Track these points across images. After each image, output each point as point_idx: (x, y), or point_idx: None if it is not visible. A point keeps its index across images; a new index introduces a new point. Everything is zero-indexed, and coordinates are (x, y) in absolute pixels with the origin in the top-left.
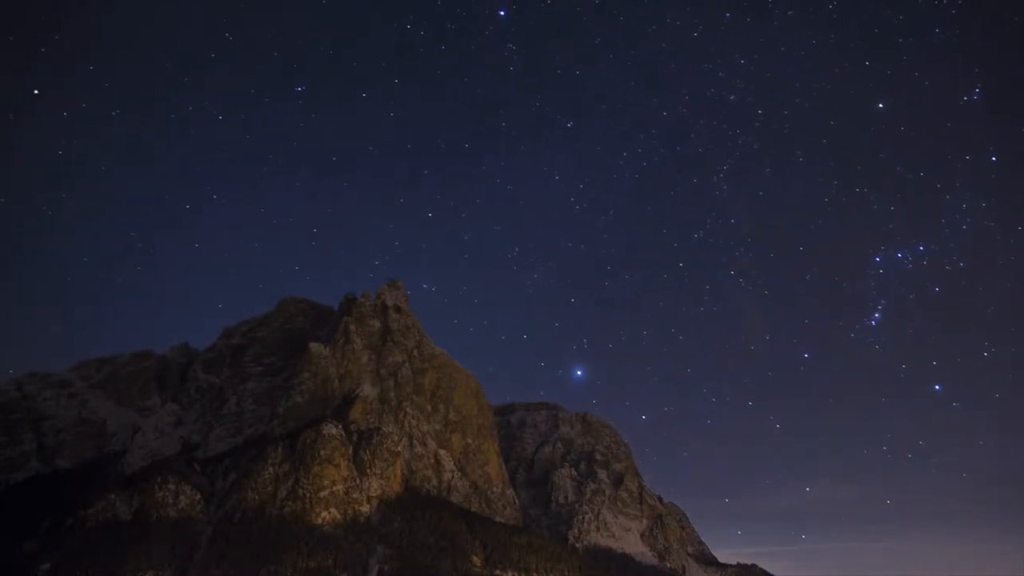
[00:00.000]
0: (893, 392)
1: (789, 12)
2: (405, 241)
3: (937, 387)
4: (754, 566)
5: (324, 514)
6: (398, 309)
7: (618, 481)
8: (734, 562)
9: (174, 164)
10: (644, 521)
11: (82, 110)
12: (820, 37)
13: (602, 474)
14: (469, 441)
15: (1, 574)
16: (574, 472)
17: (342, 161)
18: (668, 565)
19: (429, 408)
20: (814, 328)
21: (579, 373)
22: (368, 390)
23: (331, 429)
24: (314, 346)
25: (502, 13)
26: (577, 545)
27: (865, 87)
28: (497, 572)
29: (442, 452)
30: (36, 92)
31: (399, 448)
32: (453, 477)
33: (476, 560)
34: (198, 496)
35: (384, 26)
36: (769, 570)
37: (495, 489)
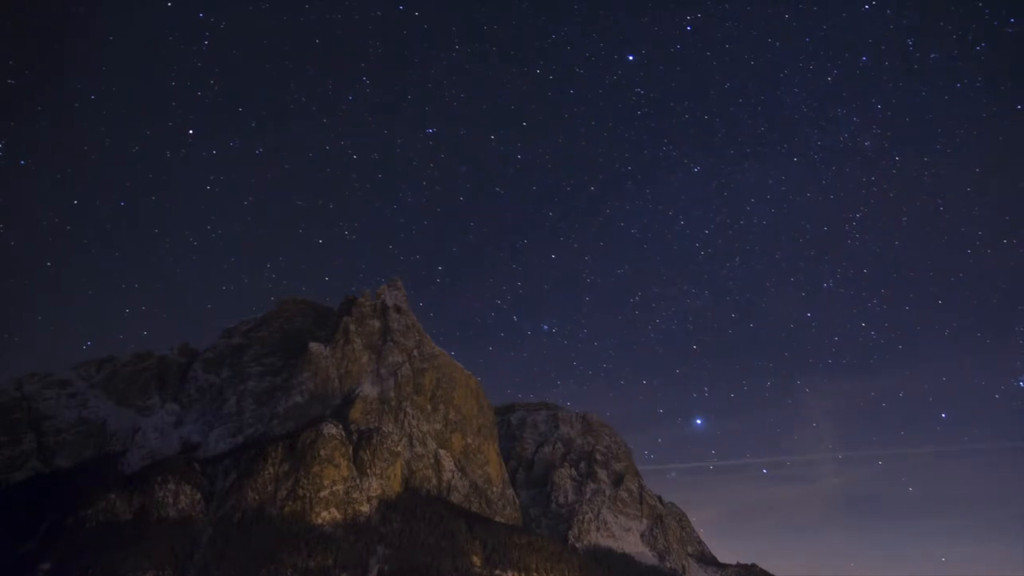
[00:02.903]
0: None
1: (932, 55)
2: (528, 282)
3: None
4: (754, 566)
5: (324, 514)
6: (398, 309)
7: (618, 481)
8: (734, 562)
9: (310, 201)
10: (644, 521)
11: (230, 148)
12: (966, 80)
13: (602, 474)
14: (469, 441)
15: (1, 574)
16: (574, 472)
17: (468, 201)
18: (668, 565)
19: (429, 408)
20: (953, 387)
21: (699, 422)
22: (368, 390)
23: (331, 429)
24: (314, 346)
25: (630, 57)
26: (577, 545)
27: (1018, 132)
28: (497, 572)
29: (442, 452)
30: (191, 132)
31: (399, 448)
32: (453, 477)
33: (476, 560)
34: (198, 496)
35: (513, 70)
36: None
37: (495, 489)
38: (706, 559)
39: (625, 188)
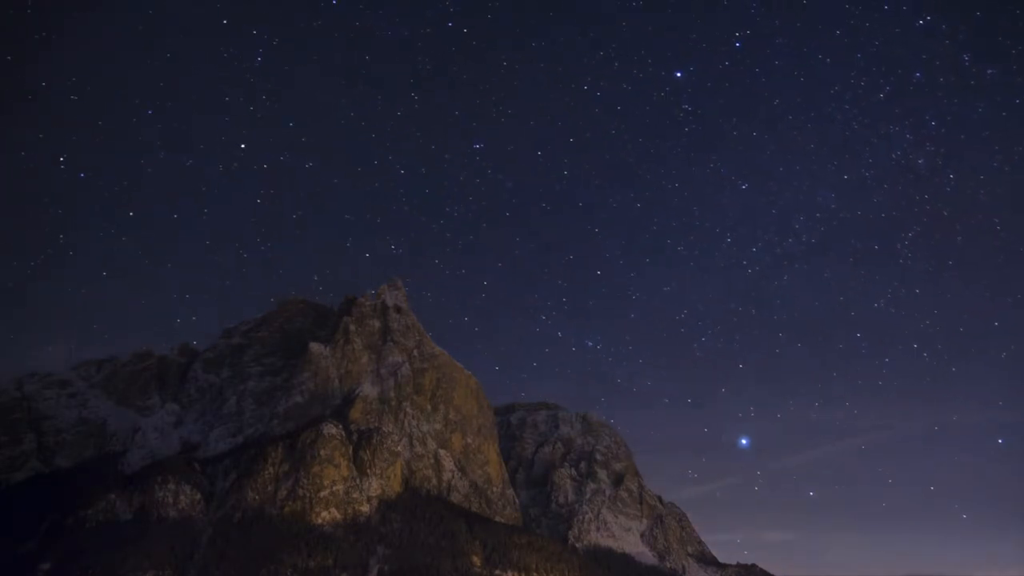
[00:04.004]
0: None
1: (989, 71)
2: (573, 297)
3: None
4: (754, 566)
5: (324, 514)
6: (398, 309)
7: (618, 481)
8: (734, 562)
9: (357, 214)
10: (644, 521)
11: (280, 162)
12: None
13: (602, 474)
14: (469, 441)
15: (1, 574)
16: (574, 472)
17: (514, 216)
18: (668, 565)
19: (429, 408)
20: (1010, 411)
21: (744, 442)
22: (368, 390)
23: (331, 429)
24: (314, 346)
25: (678, 74)
26: (577, 545)
27: None
28: (497, 572)
29: (442, 452)
30: (243, 146)
31: (399, 448)
32: (453, 477)
33: (476, 560)
34: (198, 496)
35: (560, 87)
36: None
37: (495, 489)
38: (706, 559)
39: (672, 205)
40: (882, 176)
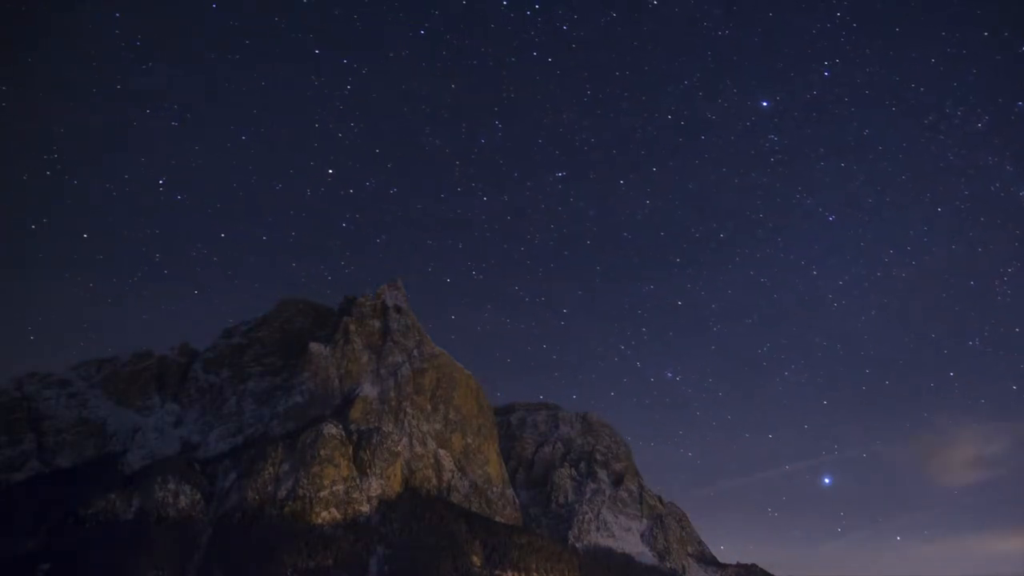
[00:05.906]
0: None
1: None
2: (652, 328)
3: None
4: (754, 566)
5: (324, 514)
6: (398, 309)
7: (618, 481)
8: (734, 562)
9: (440, 240)
10: (644, 521)
11: (366, 188)
12: None
13: (602, 474)
14: (469, 441)
15: (1, 574)
16: (574, 472)
17: (595, 245)
18: (668, 565)
19: (429, 408)
20: None
21: (827, 481)
22: (368, 390)
23: (331, 429)
24: (314, 346)
25: (764, 104)
26: (577, 545)
27: None
28: (497, 572)
29: (442, 452)
30: (331, 172)
31: (399, 448)
32: (453, 477)
33: (476, 560)
34: (198, 496)
35: (644, 116)
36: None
37: (495, 489)
38: (706, 559)
39: (756, 236)
40: (979, 209)
